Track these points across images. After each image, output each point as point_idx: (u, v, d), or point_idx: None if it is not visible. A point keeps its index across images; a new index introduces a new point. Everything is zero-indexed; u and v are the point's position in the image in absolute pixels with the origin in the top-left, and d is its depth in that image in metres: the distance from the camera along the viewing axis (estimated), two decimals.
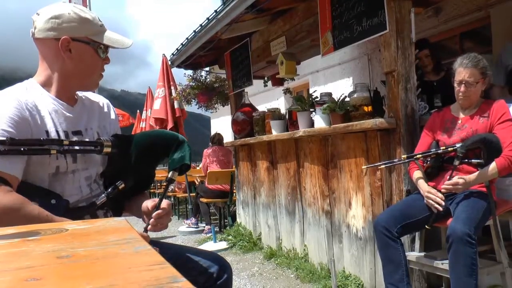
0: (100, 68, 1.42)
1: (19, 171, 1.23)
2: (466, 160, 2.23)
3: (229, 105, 5.39)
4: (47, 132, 1.28)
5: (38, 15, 1.33)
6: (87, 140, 1.37)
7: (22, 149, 1.21)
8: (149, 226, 1.33)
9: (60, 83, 1.36)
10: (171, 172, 1.39)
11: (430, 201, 2.23)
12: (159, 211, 1.34)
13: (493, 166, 2.13)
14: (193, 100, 5.86)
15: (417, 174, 2.40)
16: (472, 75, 2.24)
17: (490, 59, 2.38)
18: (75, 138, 1.35)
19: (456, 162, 2.17)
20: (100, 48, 1.38)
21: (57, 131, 1.30)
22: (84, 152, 1.34)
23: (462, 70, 2.25)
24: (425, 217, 2.27)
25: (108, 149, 1.37)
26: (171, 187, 8.05)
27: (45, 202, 1.23)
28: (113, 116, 1.56)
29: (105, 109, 1.53)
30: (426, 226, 2.26)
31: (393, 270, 2.23)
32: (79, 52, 1.34)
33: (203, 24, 4.42)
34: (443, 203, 2.21)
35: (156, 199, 1.38)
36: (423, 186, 2.31)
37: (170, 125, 6.07)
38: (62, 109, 1.35)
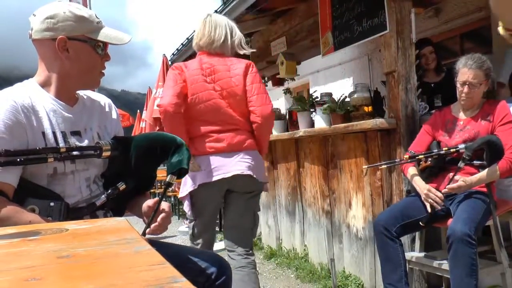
0: (99, 65, 1.40)
1: (14, 179, 1.21)
2: (469, 162, 2.22)
3: None
4: (43, 133, 1.27)
5: (35, 16, 1.32)
6: (85, 145, 1.35)
7: (18, 159, 1.19)
8: (148, 230, 1.32)
9: (59, 83, 1.34)
10: (169, 176, 1.37)
11: (430, 200, 2.22)
12: (163, 214, 1.33)
13: (494, 168, 2.13)
14: None
15: (412, 170, 2.37)
16: (477, 77, 2.22)
17: (491, 59, 2.36)
18: (73, 139, 1.33)
19: (462, 164, 2.15)
20: (99, 46, 1.36)
21: (54, 132, 1.29)
22: (83, 157, 1.32)
23: (466, 71, 2.23)
24: (424, 217, 2.26)
25: (108, 153, 1.35)
26: (171, 187, 8.05)
27: (43, 204, 1.23)
28: (114, 115, 1.54)
29: (107, 109, 1.52)
30: (420, 223, 2.23)
31: (392, 270, 2.23)
32: (76, 51, 1.32)
33: None
34: (442, 203, 2.20)
35: (157, 199, 1.37)
36: (421, 184, 2.29)
37: None
38: (61, 109, 1.34)
